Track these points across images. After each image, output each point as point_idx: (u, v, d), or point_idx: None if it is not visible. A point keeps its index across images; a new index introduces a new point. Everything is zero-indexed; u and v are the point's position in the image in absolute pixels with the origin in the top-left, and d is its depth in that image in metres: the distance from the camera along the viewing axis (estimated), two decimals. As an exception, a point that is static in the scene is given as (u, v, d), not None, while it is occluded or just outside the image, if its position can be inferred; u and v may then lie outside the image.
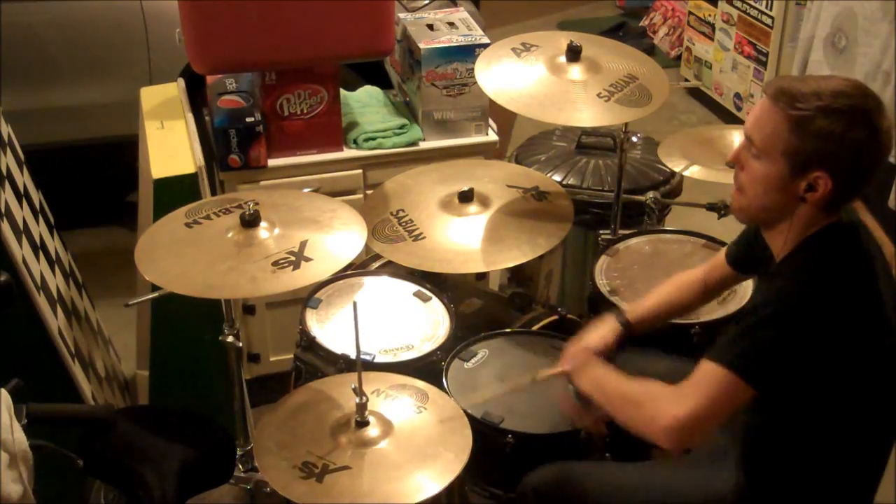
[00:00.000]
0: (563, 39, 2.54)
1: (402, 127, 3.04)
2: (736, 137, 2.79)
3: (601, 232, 2.87)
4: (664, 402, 1.79)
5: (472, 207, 2.52)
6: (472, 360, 2.35)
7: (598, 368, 2.04)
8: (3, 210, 2.38)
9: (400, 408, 2.04)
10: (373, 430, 1.95)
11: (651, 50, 5.64)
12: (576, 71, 2.50)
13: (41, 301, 2.41)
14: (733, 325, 1.83)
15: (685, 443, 1.79)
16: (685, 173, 2.87)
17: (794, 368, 1.74)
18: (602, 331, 2.24)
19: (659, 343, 2.41)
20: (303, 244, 2.12)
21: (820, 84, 1.75)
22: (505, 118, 3.27)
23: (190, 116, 2.88)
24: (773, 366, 1.74)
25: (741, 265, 2.15)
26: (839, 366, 1.75)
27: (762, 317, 1.76)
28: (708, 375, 1.76)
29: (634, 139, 3.19)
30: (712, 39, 5.05)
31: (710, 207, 2.84)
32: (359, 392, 1.93)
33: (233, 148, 2.85)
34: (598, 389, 1.99)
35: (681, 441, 1.79)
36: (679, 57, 5.50)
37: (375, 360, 2.30)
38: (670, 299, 2.28)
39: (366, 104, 3.17)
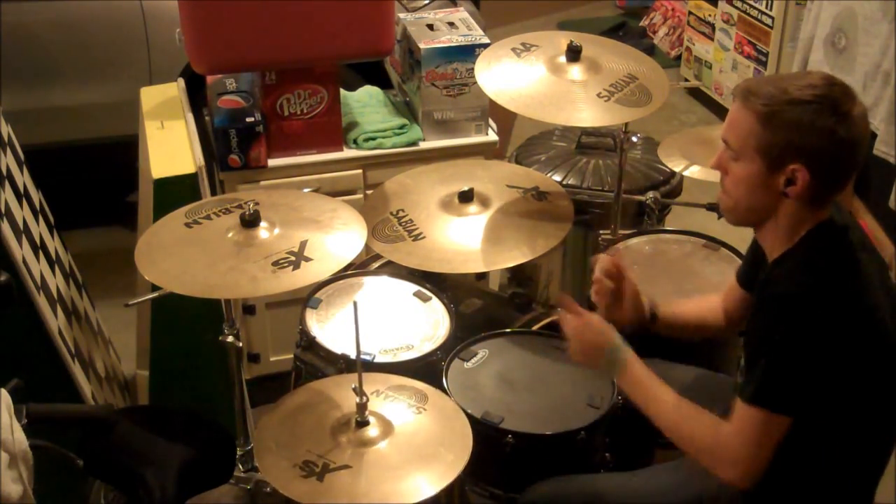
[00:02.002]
0: (563, 39, 2.54)
1: (402, 127, 3.04)
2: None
3: (601, 232, 2.87)
4: (718, 455, 1.82)
5: (472, 207, 2.52)
6: (472, 360, 2.35)
7: (639, 371, 1.99)
8: (3, 210, 2.38)
9: (400, 408, 2.04)
10: (373, 430, 1.95)
11: (651, 50, 5.64)
12: (576, 71, 2.50)
13: (41, 301, 2.41)
14: (752, 353, 1.83)
15: (752, 483, 1.81)
16: (685, 173, 2.87)
17: (811, 383, 1.75)
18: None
19: (659, 341, 2.41)
20: (303, 244, 2.12)
21: (787, 80, 1.78)
22: (505, 118, 3.27)
23: (190, 116, 2.88)
24: (795, 390, 1.75)
25: (750, 283, 2.10)
26: (838, 369, 1.75)
27: (772, 343, 1.76)
28: (746, 420, 1.78)
29: (634, 139, 3.19)
30: (712, 39, 5.05)
31: (710, 207, 2.84)
32: (359, 392, 1.93)
33: (233, 148, 2.85)
34: (643, 401, 1.96)
35: (748, 484, 1.81)
36: (679, 57, 5.50)
37: (375, 360, 2.29)
38: (700, 313, 2.26)
39: (366, 104, 3.17)
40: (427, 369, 2.28)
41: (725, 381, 2.28)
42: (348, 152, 3.01)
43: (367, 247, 2.26)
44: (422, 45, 2.93)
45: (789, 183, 1.77)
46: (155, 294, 2.22)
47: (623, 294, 2.18)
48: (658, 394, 1.95)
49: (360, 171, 3.01)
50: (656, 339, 2.41)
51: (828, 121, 1.72)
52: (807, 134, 1.73)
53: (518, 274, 3.10)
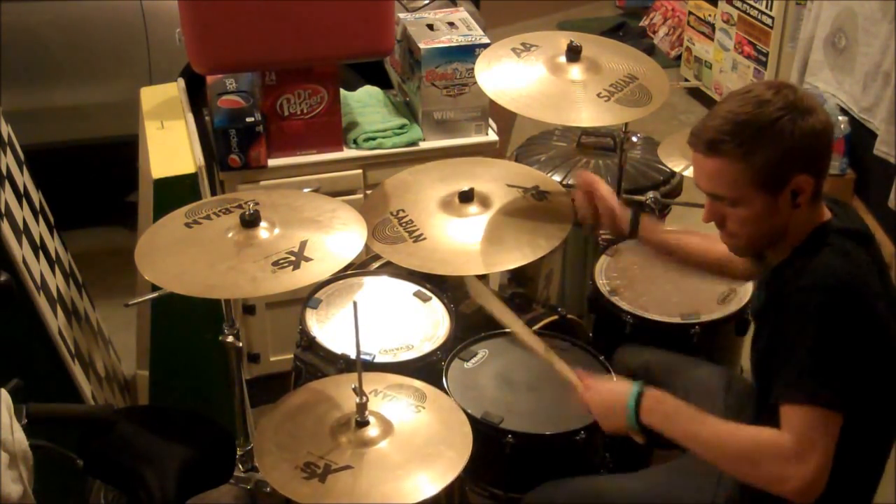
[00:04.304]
0: (563, 39, 2.54)
1: (402, 127, 3.04)
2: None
3: (601, 232, 2.86)
4: (784, 463, 1.69)
5: (473, 208, 2.51)
6: (472, 360, 2.35)
7: (668, 403, 1.87)
8: (3, 210, 2.38)
9: (399, 408, 2.04)
10: (373, 430, 1.95)
11: (651, 50, 5.64)
12: (576, 71, 2.50)
13: (41, 301, 2.41)
14: (784, 354, 1.75)
15: (819, 492, 1.71)
16: (685, 173, 2.87)
17: (854, 370, 1.72)
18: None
19: (659, 342, 2.42)
20: (303, 244, 2.12)
21: (736, 110, 1.75)
22: (505, 118, 3.27)
23: (190, 116, 2.88)
24: (844, 381, 1.71)
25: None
26: (846, 366, 1.74)
27: (808, 336, 1.71)
28: (803, 422, 1.69)
29: (634, 139, 3.19)
30: (712, 39, 5.05)
31: (711, 207, 2.84)
32: (359, 392, 1.93)
33: (233, 148, 2.85)
34: (681, 433, 1.83)
35: (817, 494, 1.70)
36: (679, 57, 5.50)
37: (375, 360, 2.29)
38: (690, 240, 2.25)
39: (366, 104, 3.17)
40: (427, 369, 2.28)
41: (732, 375, 2.27)
42: (348, 152, 3.01)
43: (367, 247, 2.26)
44: (422, 45, 2.93)
45: (796, 194, 1.77)
46: (155, 294, 2.22)
47: (598, 208, 2.27)
48: (693, 416, 1.83)
49: (360, 171, 3.01)
50: (657, 343, 2.42)
51: (801, 122, 1.73)
52: (793, 144, 1.74)
53: (518, 274, 3.10)
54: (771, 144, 1.73)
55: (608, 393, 1.96)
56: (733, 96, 1.81)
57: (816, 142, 1.76)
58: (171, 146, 2.75)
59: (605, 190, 2.28)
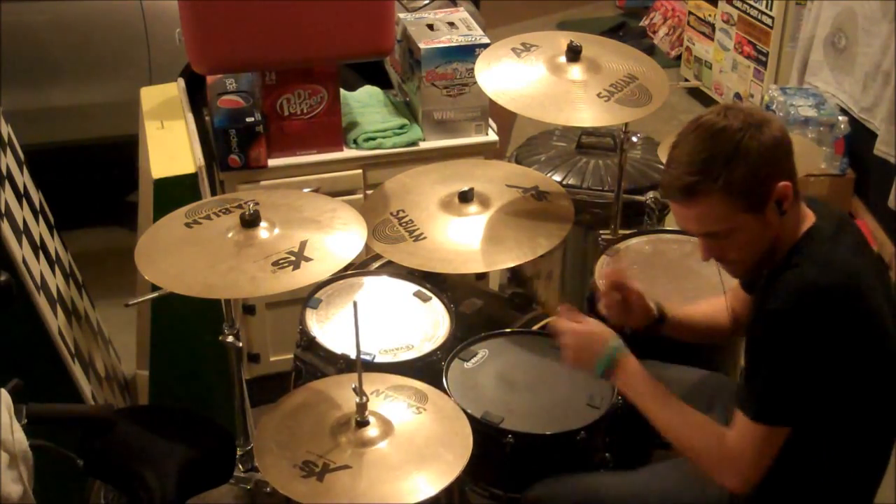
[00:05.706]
0: (563, 39, 2.54)
1: (402, 127, 3.04)
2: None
3: (601, 232, 2.87)
4: (721, 463, 1.84)
5: (473, 207, 2.52)
6: (472, 360, 2.35)
7: (637, 379, 1.99)
8: (3, 210, 2.38)
9: (400, 408, 2.04)
10: (373, 430, 1.95)
11: (651, 50, 5.64)
12: (576, 71, 2.50)
13: (41, 301, 2.41)
14: (751, 366, 1.85)
15: (751, 488, 1.83)
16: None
17: (809, 396, 1.76)
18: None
19: (659, 342, 2.41)
20: (303, 244, 2.12)
21: (698, 149, 1.78)
22: (505, 118, 3.27)
23: (190, 116, 2.88)
24: (794, 405, 1.77)
25: (752, 287, 2.09)
26: (837, 376, 1.76)
27: (768, 359, 1.77)
28: (746, 433, 1.80)
29: (634, 139, 3.19)
30: (712, 39, 5.05)
31: (710, 207, 2.83)
32: (359, 392, 1.93)
33: (233, 148, 2.85)
34: (641, 402, 1.97)
35: (748, 489, 1.84)
36: (679, 57, 5.50)
37: (375, 360, 2.29)
38: (706, 316, 2.26)
39: (366, 104, 3.17)
40: (427, 369, 2.28)
41: (725, 381, 2.27)
42: (348, 152, 3.01)
43: (367, 247, 2.26)
44: (422, 45, 2.93)
45: (780, 203, 1.79)
46: (155, 294, 2.22)
47: (630, 302, 2.20)
48: (658, 395, 1.96)
49: (360, 171, 3.01)
50: (656, 341, 2.41)
51: (761, 135, 1.75)
52: (762, 158, 1.75)
53: (518, 274, 3.10)
54: (743, 166, 1.75)
55: (587, 336, 2.04)
56: (685, 137, 1.83)
57: (780, 147, 1.78)
58: (171, 146, 2.75)
59: (636, 284, 2.23)
